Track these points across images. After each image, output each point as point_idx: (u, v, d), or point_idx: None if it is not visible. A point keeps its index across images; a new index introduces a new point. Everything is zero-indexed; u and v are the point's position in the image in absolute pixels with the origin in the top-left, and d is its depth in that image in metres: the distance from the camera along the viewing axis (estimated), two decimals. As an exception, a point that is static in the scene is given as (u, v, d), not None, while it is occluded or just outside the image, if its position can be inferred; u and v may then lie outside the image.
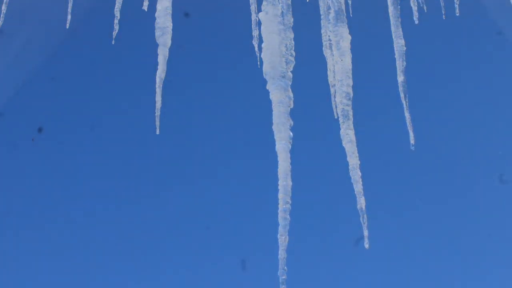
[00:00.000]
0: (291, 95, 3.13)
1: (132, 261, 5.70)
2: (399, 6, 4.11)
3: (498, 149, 5.81)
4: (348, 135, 3.41)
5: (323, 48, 3.74)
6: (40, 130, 5.76)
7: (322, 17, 3.76)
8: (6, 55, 5.71)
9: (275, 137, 3.03)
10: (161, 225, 5.76)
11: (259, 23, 3.31)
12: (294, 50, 3.24)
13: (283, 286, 2.77)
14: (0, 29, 4.83)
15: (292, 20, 3.36)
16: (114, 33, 4.25)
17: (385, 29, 4.10)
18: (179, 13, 4.16)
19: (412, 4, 4.42)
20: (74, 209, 5.78)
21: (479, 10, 5.57)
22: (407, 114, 3.92)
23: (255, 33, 4.09)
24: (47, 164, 5.90)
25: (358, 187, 3.27)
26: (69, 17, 4.53)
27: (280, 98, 3.10)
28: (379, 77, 5.70)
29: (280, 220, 2.88)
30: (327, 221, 5.65)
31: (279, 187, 2.94)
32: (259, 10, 3.36)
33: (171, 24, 3.73)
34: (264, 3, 3.32)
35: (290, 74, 3.17)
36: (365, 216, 3.23)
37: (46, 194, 5.83)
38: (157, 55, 3.69)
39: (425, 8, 4.46)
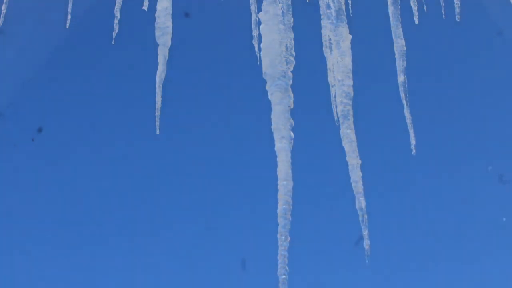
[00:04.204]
0: (291, 95, 3.13)
1: (132, 260, 5.70)
2: (399, 6, 4.11)
3: (498, 149, 5.81)
4: (348, 135, 3.41)
5: (323, 48, 3.74)
6: (40, 130, 5.77)
7: (322, 17, 3.76)
8: (6, 55, 5.71)
9: (274, 137, 3.03)
10: (161, 224, 5.77)
11: (259, 23, 3.31)
12: (294, 50, 3.24)
13: (283, 286, 2.77)
14: (0, 29, 4.83)
15: (292, 20, 3.36)
16: (114, 33, 4.25)
17: (385, 29, 4.11)
18: (179, 13, 4.16)
19: (412, 4, 4.42)
20: (74, 209, 5.78)
21: (479, 10, 5.57)
22: (407, 114, 3.92)
23: (255, 33, 4.09)
24: (47, 164, 5.90)
25: (358, 187, 3.27)
26: (69, 17, 4.53)
27: (280, 98, 3.10)
28: (379, 77, 5.70)
29: (280, 220, 2.88)
30: (327, 221, 5.65)
31: (279, 187, 2.94)
32: (259, 10, 3.36)
33: (171, 24, 3.74)
34: (264, 3, 3.32)
35: (290, 74, 3.17)
36: (365, 216, 3.23)
37: (46, 194, 5.84)
38: (157, 55, 3.70)
39: (425, 8, 4.46)
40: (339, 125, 3.46)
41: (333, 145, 3.65)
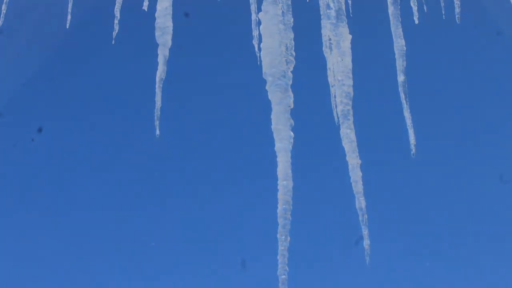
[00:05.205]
0: (291, 95, 3.13)
1: (132, 261, 5.70)
2: (399, 6, 4.12)
3: (498, 149, 5.81)
4: (348, 135, 3.41)
5: (323, 48, 3.74)
6: (40, 130, 5.76)
7: (322, 17, 3.76)
8: (6, 55, 5.71)
9: (274, 137, 3.03)
10: (161, 225, 5.77)
11: (259, 23, 3.31)
12: (294, 50, 3.24)
13: (283, 286, 2.77)
14: (0, 29, 4.83)
15: (292, 20, 3.36)
16: (114, 33, 4.25)
17: (385, 29, 4.11)
18: (179, 13, 4.16)
19: (412, 4, 4.43)
20: (74, 210, 5.78)
21: (479, 10, 5.57)
22: (407, 114, 3.92)
23: (255, 33, 4.09)
24: (47, 164, 5.90)
25: (358, 187, 3.27)
26: (69, 17, 4.54)
27: (280, 98, 3.10)
28: (379, 77, 5.70)
29: (280, 220, 2.88)
30: (327, 221, 5.65)
31: (279, 187, 2.95)
32: (259, 10, 3.37)
33: (171, 24, 3.74)
34: (264, 3, 3.32)
35: (290, 74, 3.17)
36: (365, 216, 3.24)
37: (46, 194, 5.83)
38: (157, 55, 3.70)
39: (425, 8, 4.46)
40: (339, 125, 3.47)
41: (333, 145, 3.65)
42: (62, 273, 5.67)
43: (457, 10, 4.49)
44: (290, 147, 3.03)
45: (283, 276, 2.78)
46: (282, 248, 2.83)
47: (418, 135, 3.93)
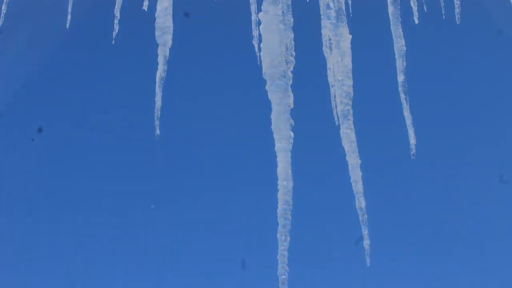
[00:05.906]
0: (291, 95, 3.13)
1: (132, 261, 5.70)
2: (399, 6, 4.12)
3: (498, 149, 5.81)
4: (348, 135, 3.41)
5: (323, 48, 3.74)
6: (40, 130, 5.77)
7: (322, 17, 3.75)
8: (6, 55, 5.71)
9: (274, 137, 3.03)
10: (161, 225, 5.77)
11: (259, 23, 3.31)
12: (294, 50, 3.24)
13: (283, 286, 2.77)
14: (0, 29, 4.84)
15: (292, 20, 3.36)
16: (114, 33, 4.26)
17: (385, 29, 4.11)
18: (179, 13, 4.16)
19: (412, 4, 4.43)
20: (74, 209, 5.79)
21: (479, 10, 5.57)
22: (407, 114, 3.92)
23: (255, 33, 4.09)
24: (47, 164, 5.90)
25: (358, 187, 3.27)
26: (69, 17, 4.54)
27: (280, 98, 3.10)
28: (379, 77, 5.70)
29: (280, 219, 2.88)
30: (327, 221, 5.65)
31: (279, 187, 2.95)
32: (259, 10, 3.37)
33: (171, 24, 3.74)
34: (264, 3, 3.32)
35: (290, 74, 3.17)
36: (365, 216, 3.24)
37: (46, 194, 5.84)
38: (157, 55, 3.70)
39: (425, 8, 4.46)
40: (339, 125, 3.47)
41: (333, 145, 3.65)
42: (62, 272, 5.67)
43: (457, 10, 4.49)
44: (290, 147, 3.03)
45: (283, 276, 2.78)
46: (282, 248, 2.83)
47: (418, 135, 3.93)
